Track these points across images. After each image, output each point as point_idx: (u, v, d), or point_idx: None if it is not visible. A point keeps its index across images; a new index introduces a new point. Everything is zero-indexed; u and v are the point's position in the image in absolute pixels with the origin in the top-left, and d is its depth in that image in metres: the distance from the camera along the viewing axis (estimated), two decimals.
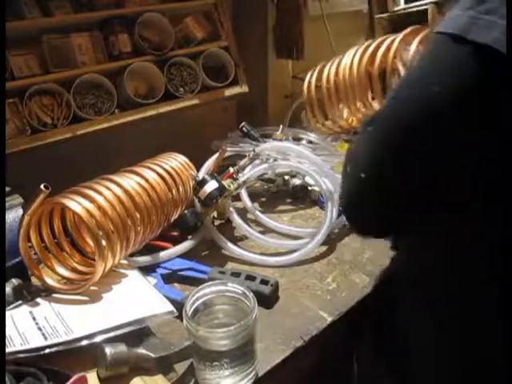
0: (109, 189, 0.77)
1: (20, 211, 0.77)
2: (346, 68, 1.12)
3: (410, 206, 0.53)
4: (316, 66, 1.26)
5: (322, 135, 1.25)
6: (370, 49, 1.10)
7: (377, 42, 1.12)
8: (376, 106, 1.09)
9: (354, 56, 1.12)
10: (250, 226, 0.96)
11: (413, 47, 0.99)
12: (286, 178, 1.13)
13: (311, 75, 1.23)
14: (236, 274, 0.80)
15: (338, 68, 1.14)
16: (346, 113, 1.16)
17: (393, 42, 1.06)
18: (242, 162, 1.00)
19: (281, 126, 1.22)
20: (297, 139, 1.25)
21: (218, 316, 0.64)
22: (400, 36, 1.04)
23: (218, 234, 0.92)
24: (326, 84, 1.17)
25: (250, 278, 0.79)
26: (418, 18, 1.68)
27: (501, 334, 0.50)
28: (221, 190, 0.91)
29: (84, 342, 0.61)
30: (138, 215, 0.81)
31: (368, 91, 1.10)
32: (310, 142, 1.25)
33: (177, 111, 1.20)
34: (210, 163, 1.02)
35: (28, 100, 1.00)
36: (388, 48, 1.06)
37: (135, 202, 0.80)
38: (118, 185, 0.79)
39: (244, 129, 1.18)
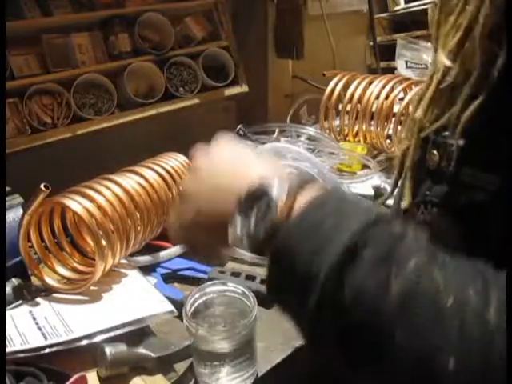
0: (109, 188, 0.77)
1: (20, 211, 0.77)
2: (372, 94, 1.22)
3: None
4: (342, 74, 1.32)
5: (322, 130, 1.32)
6: (400, 87, 1.20)
7: (409, 81, 1.22)
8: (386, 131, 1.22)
9: (383, 87, 1.21)
10: None
11: None
12: None
13: (336, 83, 1.30)
14: (236, 274, 0.80)
15: (364, 91, 1.24)
16: (356, 127, 1.27)
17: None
18: None
19: (277, 130, 1.23)
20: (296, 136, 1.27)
21: (218, 316, 0.64)
22: None
23: None
24: (348, 97, 1.26)
25: (250, 277, 0.79)
26: (418, 18, 1.69)
27: None
28: None
29: (84, 342, 0.61)
30: (138, 215, 0.81)
31: (384, 120, 1.20)
32: (310, 138, 1.26)
33: (177, 111, 1.20)
34: None
35: (28, 100, 1.00)
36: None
37: (135, 201, 0.80)
38: (118, 184, 0.79)
39: (240, 132, 1.18)
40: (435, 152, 0.43)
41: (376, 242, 0.33)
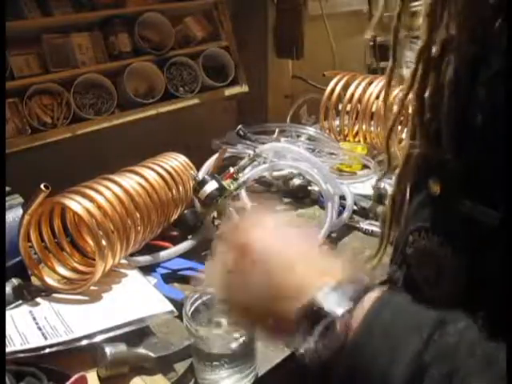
0: (109, 188, 0.77)
1: (20, 211, 0.77)
2: (372, 94, 1.22)
3: None
4: (342, 74, 1.32)
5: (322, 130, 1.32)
6: (400, 87, 1.18)
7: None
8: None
9: (383, 87, 1.18)
10: None
11: None
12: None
13: (336, 83, 1.30)
14: None
15: (364, 91, 1.24)
16: (356, 128, 1.27)
17: None
18: (242, 162, 1.00)
19: (276, 130, 1.23)
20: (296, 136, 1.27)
21: (218, 316, 0.64)
22: None
23: None
24: (348, 97, 1.26)
25: None
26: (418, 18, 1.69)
27: None
28: (221, 190, 0.91)
29: (84, 342, 0.61)
30: (138, 215, 0.81)
31: (384, 120, 1.17)
32: (310, 138, 1.26)
33: (177, 111, 1.20)
34: (210, 163, 1.02)
35: (28, 100, 1.00)
36: None
37: (135, 201, 0.80)
38: (118, 185, 0.79)
39: (241, 132, 1.18)
40: (436, 179, 0.44)
41: (432, 369, 0.34)
